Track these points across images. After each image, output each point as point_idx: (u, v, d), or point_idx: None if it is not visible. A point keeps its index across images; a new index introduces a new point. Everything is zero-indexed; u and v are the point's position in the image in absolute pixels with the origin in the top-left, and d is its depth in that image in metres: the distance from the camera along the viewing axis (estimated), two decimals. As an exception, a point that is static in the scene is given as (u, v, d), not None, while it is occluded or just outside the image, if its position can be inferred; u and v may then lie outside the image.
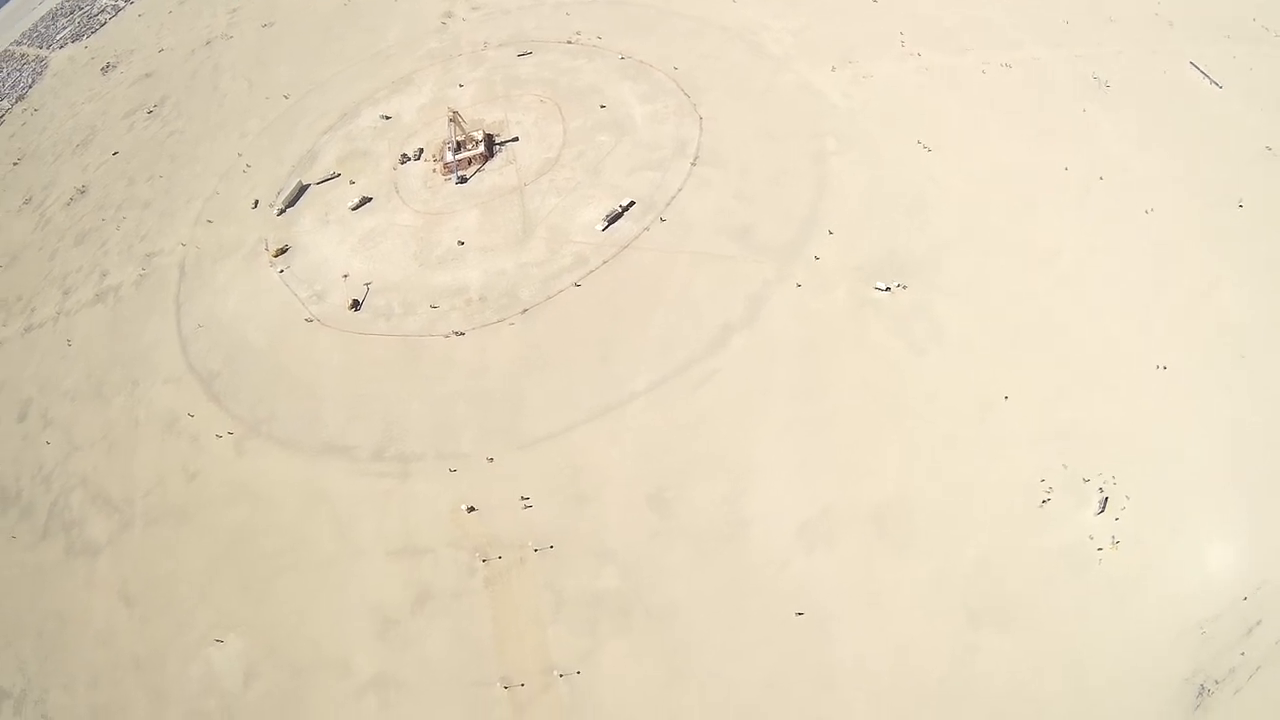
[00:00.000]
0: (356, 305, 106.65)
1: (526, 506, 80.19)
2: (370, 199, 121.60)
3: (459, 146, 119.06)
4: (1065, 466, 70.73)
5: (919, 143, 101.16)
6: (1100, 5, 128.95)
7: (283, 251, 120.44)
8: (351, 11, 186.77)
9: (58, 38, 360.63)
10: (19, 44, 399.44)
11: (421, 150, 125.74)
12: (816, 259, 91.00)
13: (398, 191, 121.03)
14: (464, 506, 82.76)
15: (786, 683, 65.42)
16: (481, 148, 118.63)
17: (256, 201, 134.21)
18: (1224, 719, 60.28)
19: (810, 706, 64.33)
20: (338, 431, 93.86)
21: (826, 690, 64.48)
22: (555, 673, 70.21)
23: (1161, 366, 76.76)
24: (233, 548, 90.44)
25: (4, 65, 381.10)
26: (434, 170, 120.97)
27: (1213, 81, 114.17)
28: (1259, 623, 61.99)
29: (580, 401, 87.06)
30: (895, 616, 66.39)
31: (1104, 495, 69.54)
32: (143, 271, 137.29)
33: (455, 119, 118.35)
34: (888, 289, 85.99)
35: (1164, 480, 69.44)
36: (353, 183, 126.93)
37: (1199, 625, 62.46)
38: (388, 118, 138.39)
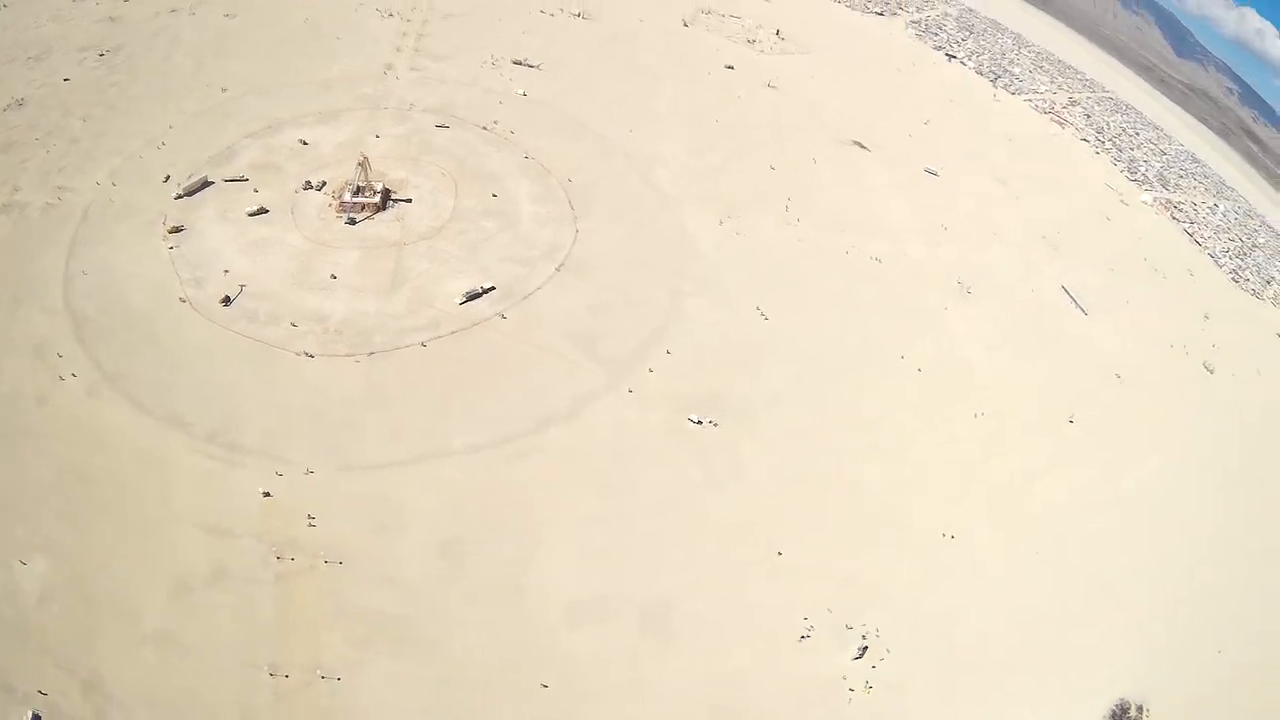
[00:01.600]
0: (228, 301, 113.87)
1: (311, 525, 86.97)
2: (268, 211, 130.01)
3: (359, 190, 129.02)
4: (830, 611, 79.80)
5: (758, 309, 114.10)
6: (989, 219, 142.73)
7: (177, 230, 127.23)
8: (308, 31, 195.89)
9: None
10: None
11: (325, 183, 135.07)
12: (631, 392, 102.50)
13: (293, 213, 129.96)
14: (261, 490, 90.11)
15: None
16: (378, 198, 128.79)
17: (168, 177, 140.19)
18: None
19: None
20: (181, 407, 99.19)
21: None
22: (318, 673, 75.95)
23: (949, 536, 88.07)
24: (62, 479, 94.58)
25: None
26: (330, 204, 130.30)
27: (1079, 307, 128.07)
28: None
29: (404, 445, 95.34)
30: (643, 706, 74.14)
31: (864, 644, 77.89)
32: (50, 202, 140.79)
33: (364, 164, 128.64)
34: (700, 422, 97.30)
35: (929, 640, 78.75)
36: (256, 191, 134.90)
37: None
38: (305, 143, 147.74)
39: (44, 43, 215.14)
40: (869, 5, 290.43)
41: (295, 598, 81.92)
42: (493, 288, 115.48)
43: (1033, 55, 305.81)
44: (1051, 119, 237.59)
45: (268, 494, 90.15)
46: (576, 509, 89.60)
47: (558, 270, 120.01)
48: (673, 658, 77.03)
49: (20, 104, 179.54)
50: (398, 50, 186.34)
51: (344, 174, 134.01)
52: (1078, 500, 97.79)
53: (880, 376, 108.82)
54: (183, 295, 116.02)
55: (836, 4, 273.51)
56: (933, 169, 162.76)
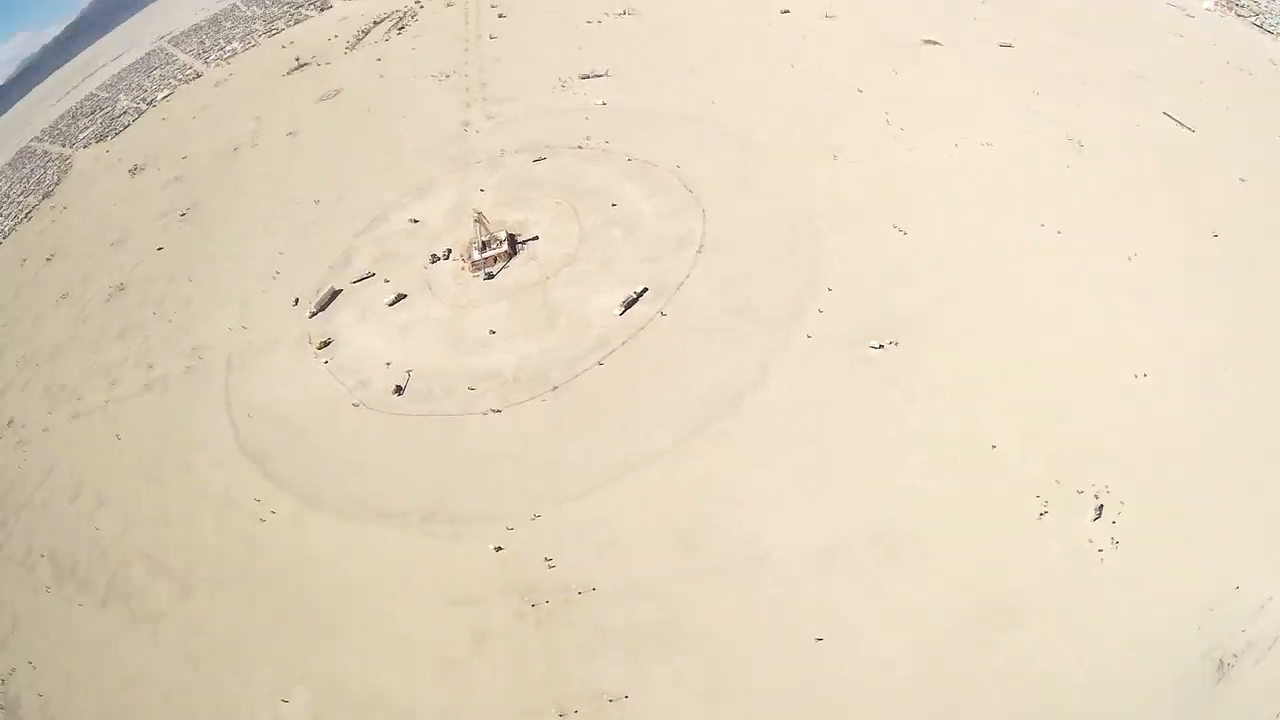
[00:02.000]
0: (399, 390, 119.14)
1: (550, 565, 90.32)
2: (405, 295, 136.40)
3: (485, 245, 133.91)
4: (1058, 482, 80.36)
5: (895, 227, 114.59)
6: (1074, 72, 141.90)
7: (326, 345, 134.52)
8: (374, 121, 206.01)
9: (80, 137, 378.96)
10: (40, 140, 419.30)
11: (450, 250, 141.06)
12: (810, 336, 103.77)
13: (430, 288, 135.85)
14: (493, 546, 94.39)
15: (817, 690, 73.76)
16: (505, 246, 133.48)
17: (297, 300, 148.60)
18: (1249, 690, 66.65)
19: (841, 711, 72.60)
20: (390, 503, 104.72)
21: (854, 692, 72.93)
22: (606, 698, 78.35)
23: (1141, 374, 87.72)
24: (295, 609, 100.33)
25: (27, 161, 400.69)
26: (462, 268, 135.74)
27: (1185, 127, 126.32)
28: (1270, 599, 70.21)
29: (610, 462, 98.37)
30: (910, 626, 75.10)
31: (1099, 503, 78.42)
32: (189, 364, 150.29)
33: (480, 220, 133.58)
34: (881, 347, 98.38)
35: (1156, 482, 78.76)
36: (387, 281, 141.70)
37: (1208, 606, 70.47)
38: (416, 221, 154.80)
39: (120, 225, 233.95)
40: None
41: (560, 635, 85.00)
42: (645, 290, 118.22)
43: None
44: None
45: (499, 548, 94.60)
46: (790, 465, 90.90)
47: (699, 253, 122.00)
48: (921, 574, 78.17)
49: (121, 288, 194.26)
50: (467, 105, 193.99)
51: (464, 236, 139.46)
52: (1256, 339, 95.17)
53: (1028, 254, 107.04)
54: (355, 401, 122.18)
55: None
56: (1006, 41, 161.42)
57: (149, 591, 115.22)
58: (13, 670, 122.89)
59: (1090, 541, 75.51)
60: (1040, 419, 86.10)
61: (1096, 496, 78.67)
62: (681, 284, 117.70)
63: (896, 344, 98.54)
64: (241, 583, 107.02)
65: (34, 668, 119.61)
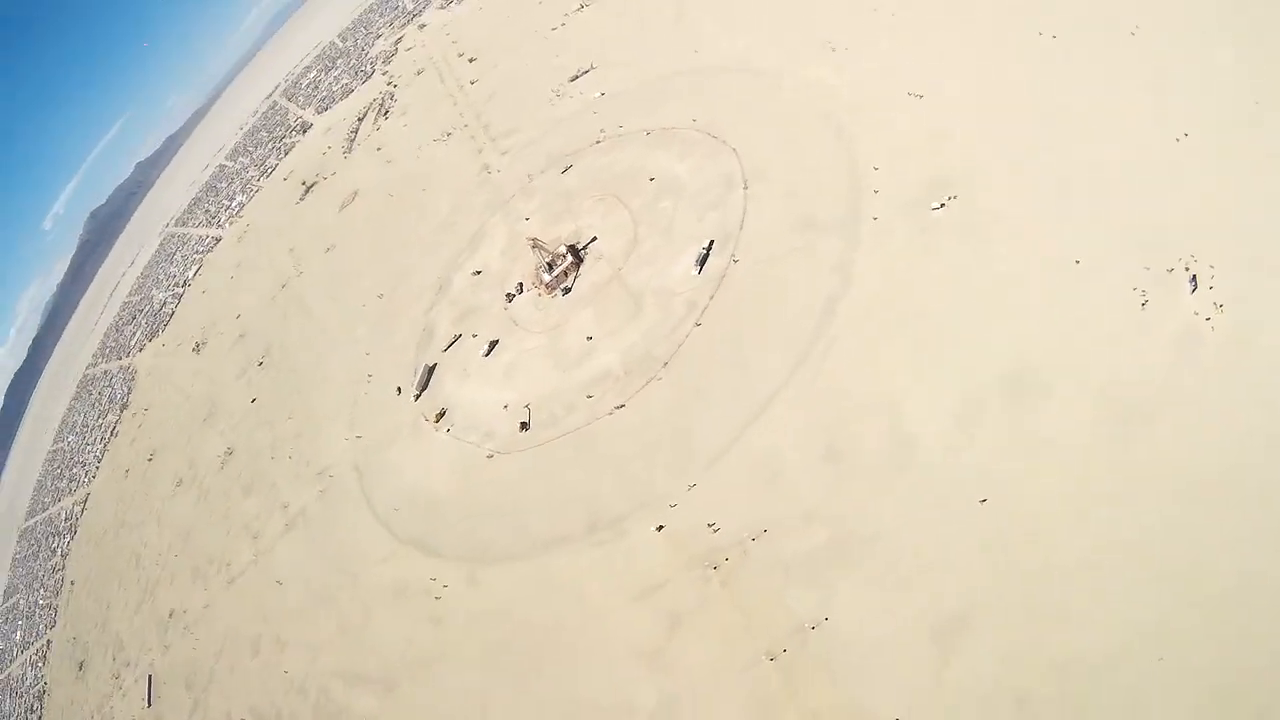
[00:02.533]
0: (525, 426, 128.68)
1: (715, 530, 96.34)
2: (497, 341, 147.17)
3: (550, 266, 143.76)
4: (1147, 269, 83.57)
5: (909, 94, 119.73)
6: None
7: (442, 415, 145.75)
8: (400, 204, 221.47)
9: (132, 344, 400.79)
10: (95, 365, 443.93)
11: (521, 284, 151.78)
12: (876, 219, 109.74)
13: (516, 324, 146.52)
14: (654, 528, 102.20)
15: (995, 549, 77.55)
16: (570, 258, 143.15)
17: (399, 389, 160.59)
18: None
19: (1019, 559, 76.38)
20: (549, 531, 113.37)
21: (1026, 540, 76.55)
22: (808, 627, 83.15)
23: (1181, 135, 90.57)
24: (494, 662, 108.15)
25: (91, 388, 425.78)
26: (539, 294, 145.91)
27: None
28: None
29: (738, 411, 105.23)
30: (1054, 454, 78.90)
31: (1191, 274, 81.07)
32: (321, 489, 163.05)
33: (537, 244, 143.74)
34: (941, 205, 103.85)
35: (1236, 238, 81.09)
36: (475, 336, 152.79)
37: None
38: (479, 272, 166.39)
39: (206, 400, 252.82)
40: None
41: (748, 585, 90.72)
42: (712, 242, 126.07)
43: None
44: None
45: (660, 527, 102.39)
46: (902, 345, 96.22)
47: (746, 190, 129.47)
48: (1052, 402, 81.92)
49: (230, 453, 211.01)
50: (479, 152, 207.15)
51: (528, 265, 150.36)
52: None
53: (1041, 67, 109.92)
54: (487, 453, 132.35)
55: None
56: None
57: (354, 704, 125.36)
58: None
59: (1195, 313, 78.63)
60: (1109, 216, 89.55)
61: (1187, 268, 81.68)
62: (742, 223, 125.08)
63: (955, 197, 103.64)
64: (437, 660, 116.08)
65: None
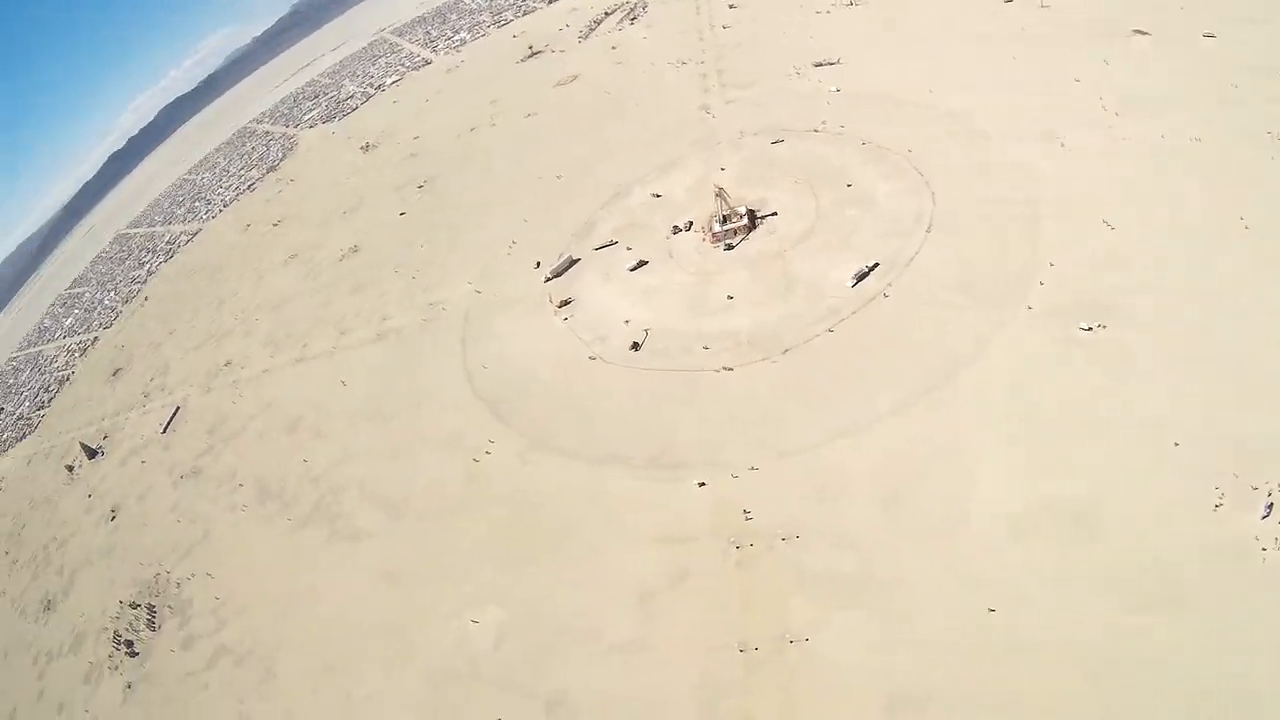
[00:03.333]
0: (636, 347, 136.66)
1: (749, 518, 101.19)
2: (646, 262, 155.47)
3: (725, 219, 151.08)
4: (1236, 476, 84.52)
5: (1104, 222, 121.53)
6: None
7: (566, 303, 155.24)
8: (613, 104, 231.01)
9: (304, 118, 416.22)
10: (259, 122, 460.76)
11: (691, 223, 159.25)
12: (1030, 307, 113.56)
13: (671, 256, 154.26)
14: (697, 483, 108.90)
15: (984, 659, 79.79)
16: (745, 220, 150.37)
17: (539, 263, 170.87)
18: None
19: (995, 671, 77.77)
20: (616, 446, 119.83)
21: (1013, 655, 78.99)
22: (787, 638, 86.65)
23: None
24: (504, 537, 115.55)
25: (246, 140, 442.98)
26: (703, 239, 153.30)
27: None
28: None
29: (831, 422, 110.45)
30: (1081, 602, 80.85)
31: (1270, 501, 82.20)
32: (425, 318, 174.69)
33: (721, 194, 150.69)
34: (1090, 329, 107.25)
35: None
36: (629, 249, 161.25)
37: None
38: (658, 195, 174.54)
39: (354, 195, 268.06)
40: None
41: (758, 577, 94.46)
42: (876, 264, 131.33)
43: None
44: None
45: (703, 484, 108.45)
46: (997, 436, 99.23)
47: (927, 232, 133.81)
48: (1099, 551, 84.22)
49: (355, 250, 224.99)
50: (705, 91, 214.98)
51: (706, 210, 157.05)
52: None
53: (1234, 255, 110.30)
54: (591, 354, 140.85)
55: None
56: (1209, 32, 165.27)
57: (358, 515, 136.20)
58: (191, 575, 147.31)
59: (1256, 539, 79.93)
60: (1231, 412, 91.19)
61: (1269, 495, 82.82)
62: (911, 260, 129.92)
63: (1104, 327, 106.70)
64: (455, 512, 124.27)
65: (211, 577, 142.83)
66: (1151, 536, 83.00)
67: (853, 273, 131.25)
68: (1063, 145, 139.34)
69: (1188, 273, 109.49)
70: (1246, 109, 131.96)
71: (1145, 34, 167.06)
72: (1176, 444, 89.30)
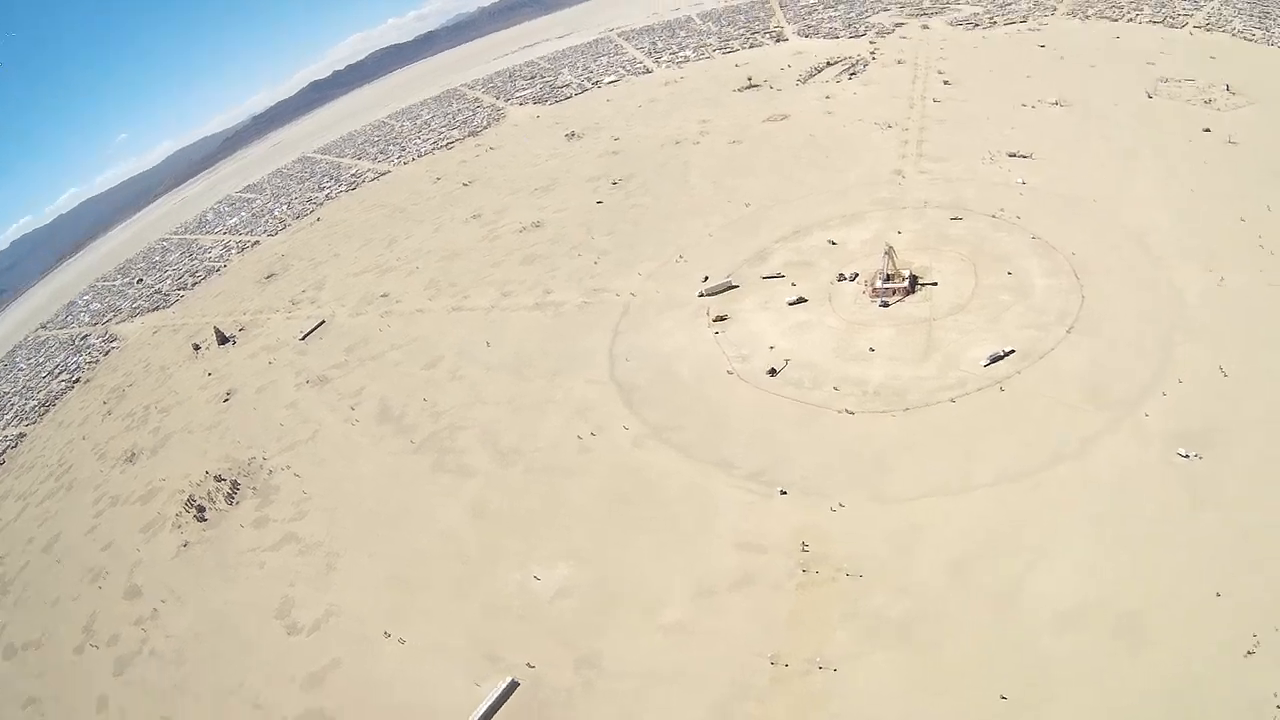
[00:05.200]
0: (773, 372, 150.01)
1: (805, 550, 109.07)
2: (805, 300, 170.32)
3: (889, 278, 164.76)
4: (1277, 630, 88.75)
5: (1219, 369, 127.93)
6: None
7: (721, 319, 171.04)
8: (814, 149, 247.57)
9: (517, 94, 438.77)
10: (470, 88, 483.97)
11: (857, 274, 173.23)
12: (1146, 415, 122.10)
13: (830, 300, 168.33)
14: (779, 490, 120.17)
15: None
16: (906, 283, 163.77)
17: (706, 277, 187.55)
18: None
19: None
20: (728, 453, 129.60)
21: None
22: (817, 663, 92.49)
23: None
24: (599, 506, 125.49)
25: (454, 101, 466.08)
26: (863, 292, 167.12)
27: None
28: None
29: (929, 481, 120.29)
30: (1092, 706, 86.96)
31: None
32: (586, 300, 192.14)
33: (890, 253, 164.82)
34: (1187, 456, 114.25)
35: None
36: (794, 285, 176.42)
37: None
38: (834, 243, 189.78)
39: (548, 176, 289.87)
40: None
41: (813, 602, 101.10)
42: (1012, 351, 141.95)
43: None
44: None
45: (784, 492, 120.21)
46: (1075, 533, 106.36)
47: (1068, 333, 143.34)
48: (1131, 666, 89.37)
49: (537, 226, 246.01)
50: (902, 157, 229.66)
51: (873, 266, 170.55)
52: None
53: None
54: (730, 369, 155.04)
55: (1270, 47, 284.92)
56: None
57: (470, 453, 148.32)
58: (287, 467, 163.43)
59: (1275, 695, 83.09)
60: None
61: None
62: (1045, 354, 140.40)
63: (1201, 458, 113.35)
64: (561, 474, 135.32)
65: (303, 477, 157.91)
66: (1183, 666, 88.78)
67: (989, 353, 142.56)
68: (1220, 281, 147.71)
69: None
70: None
71: None
72: (1218, 595, 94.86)
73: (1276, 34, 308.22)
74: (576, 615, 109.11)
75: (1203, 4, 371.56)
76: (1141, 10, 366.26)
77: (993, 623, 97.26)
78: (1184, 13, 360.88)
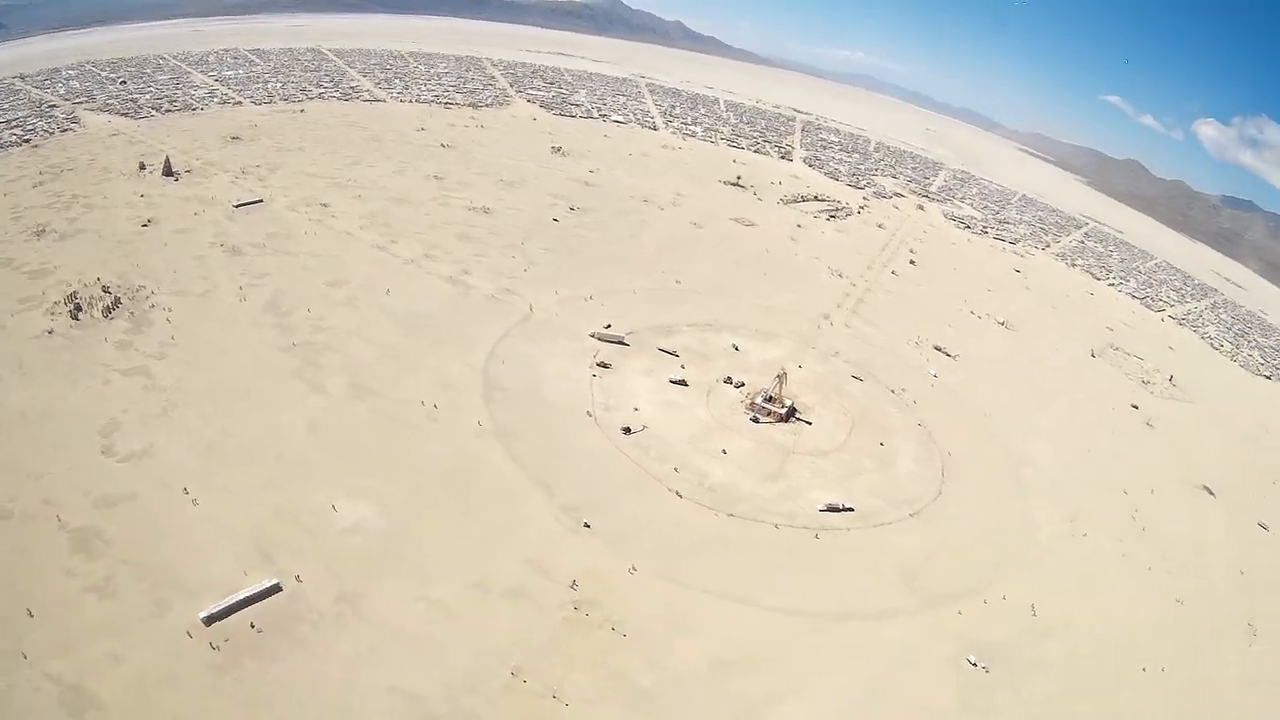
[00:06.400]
0: (628, 431, 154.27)
1: (574, 589, 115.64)
2: (687, 385, 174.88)
3: (770, 399, 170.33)
4: None
5: (1032, 609, 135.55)
6: None
7: (604, 366, 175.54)
8: (765, 263, 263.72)
9: (529, 90, 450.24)
10: (494, 65, 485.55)
11: (744, 384, 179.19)
12: (960, 612, 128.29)
13: (708, 395, 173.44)
14: (584, 523, 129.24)
15: None
16: (784, 411, 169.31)
17: (609, 325, 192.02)
18: None
19: None
20: (551, 479, 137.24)
21: None
22: (553, 694, 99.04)
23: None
24: (422, 471, 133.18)
25: (474, 69, 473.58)
26: (742, 401, 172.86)
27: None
28: None
29: (721, 583, 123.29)
30: None
31: None
32: (495, 296, 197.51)
33: (782, 377, 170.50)
34: (975, 664, 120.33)
35: None
36: (683, 367, 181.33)
37: None
38: (738, 348, 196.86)
39: (520, 175, 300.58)
40: (1261, 367, 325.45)
41: (573, 638, 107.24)
42: (851, 509, 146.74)
43: None
44: None
45: (588, 525, 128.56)
46: (840, 684, 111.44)
47: (910, 516, 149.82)
48: None
49: (486, 211, 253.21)
50: (838, 306, 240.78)
51: (762, 383, 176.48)
52: None
53: (1141, 687, 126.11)
54: (590, 411, 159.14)
55: (1231, 362, 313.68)
56: (1265, 523, 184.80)
57: (330, 374, 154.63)
58: (169, 309, 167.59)
59: None
60: None
61: None
62: (880, 525, 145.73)
63: (988, 671, 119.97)
64: (401, 428, 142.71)
65: (178, 325, 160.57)
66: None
67: (829, 501, 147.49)
68: (1070, 524, 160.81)
69: (1093, 680, 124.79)
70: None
71: (1211, 494, 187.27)
72: None
73: (1244, 354, 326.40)
74: (358, 555, 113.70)
75: (1188, 301, 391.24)
76: (1127, 282, 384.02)
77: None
78: (1167, 300, 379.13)
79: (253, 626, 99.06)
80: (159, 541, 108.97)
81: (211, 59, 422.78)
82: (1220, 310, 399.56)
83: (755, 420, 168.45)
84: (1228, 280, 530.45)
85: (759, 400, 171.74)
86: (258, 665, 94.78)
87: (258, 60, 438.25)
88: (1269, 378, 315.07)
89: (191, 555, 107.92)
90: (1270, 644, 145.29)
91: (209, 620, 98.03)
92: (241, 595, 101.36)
